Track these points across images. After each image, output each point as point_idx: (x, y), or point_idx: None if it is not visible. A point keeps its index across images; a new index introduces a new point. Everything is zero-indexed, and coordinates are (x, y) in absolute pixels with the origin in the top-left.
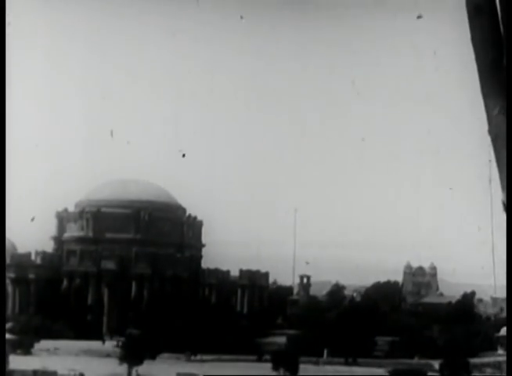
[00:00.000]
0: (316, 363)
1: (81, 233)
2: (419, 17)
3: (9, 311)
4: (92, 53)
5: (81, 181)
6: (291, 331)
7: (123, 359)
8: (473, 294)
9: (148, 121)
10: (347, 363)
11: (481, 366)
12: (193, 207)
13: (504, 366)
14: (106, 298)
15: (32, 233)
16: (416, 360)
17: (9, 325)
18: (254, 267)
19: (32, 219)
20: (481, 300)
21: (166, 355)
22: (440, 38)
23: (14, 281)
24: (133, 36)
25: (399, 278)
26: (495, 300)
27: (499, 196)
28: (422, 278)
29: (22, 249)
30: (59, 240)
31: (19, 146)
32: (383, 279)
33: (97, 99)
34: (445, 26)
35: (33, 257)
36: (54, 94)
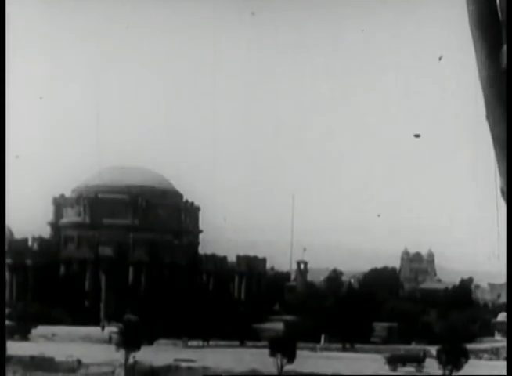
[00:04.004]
0: (314, 349)
1: (78, 219)
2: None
3: (6, 297)
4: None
5: (78, 166)
6: (289, 317)
7: (120, 345)
8: (470, 280)
9: (144, 108)
10: (344, 349)
11: (478, 352)
12: (190, 192)
13: (501, 351)
14: (103, 285)
15: (29, 218)
16: (413, 346)
17: (6, 311)
18: (251, 253)
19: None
20: (478, 286)
21: (163, 341)
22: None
23: (11, 267)
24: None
25: (397, 264)
26: (492, 286)
27: (494, 181)
28: (419, 264)
29: (19, 235)
30: (56, 226)
31: (17, 131)
32: (380, 265)
33: (94, 87)
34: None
35: (30, 243)
36: (52, 82)
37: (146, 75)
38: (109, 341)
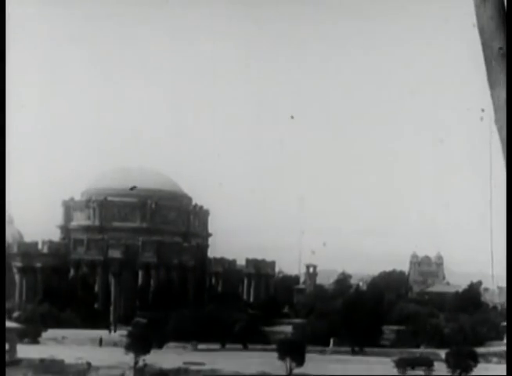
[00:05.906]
0: (323, 352)
1: (87, 222)
2: None
3: (16, 300)
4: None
5: (88, 169)
6: (297, 320)
7: (130, 348)
8: (479, 283)
9: (154, 111)
10: (353, 352)
11: (487, 356)
12: (199, 196)
13: None
14: (112, 287)
15: (39, 221)
16: (422, 349)
17: (16, 314)
18: (260, 256)
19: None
20: (487, 289)
21: (172, 344)
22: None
23: (21, 270)
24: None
25: (406, 267)
26: (501, 289)
27: (498, 183)
28: (428, 267)
29: (29, 238)
30: (65, 229)
31: (25, 135)
32: (389, 268)
33: (102, 87)
34: None
35: (40, 246)
36: (58, 82)
37: (152, 77)
38: (100, 343)
